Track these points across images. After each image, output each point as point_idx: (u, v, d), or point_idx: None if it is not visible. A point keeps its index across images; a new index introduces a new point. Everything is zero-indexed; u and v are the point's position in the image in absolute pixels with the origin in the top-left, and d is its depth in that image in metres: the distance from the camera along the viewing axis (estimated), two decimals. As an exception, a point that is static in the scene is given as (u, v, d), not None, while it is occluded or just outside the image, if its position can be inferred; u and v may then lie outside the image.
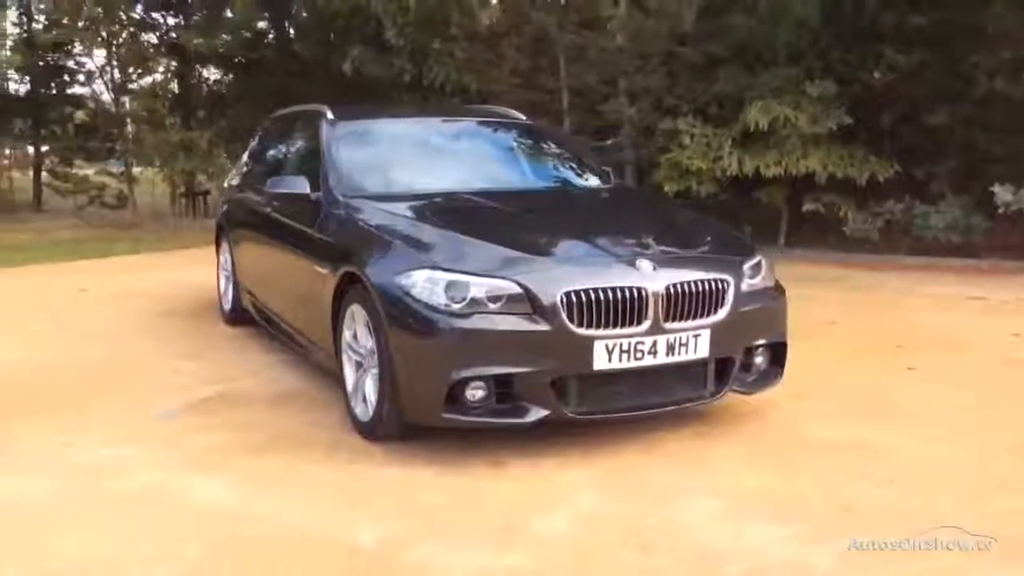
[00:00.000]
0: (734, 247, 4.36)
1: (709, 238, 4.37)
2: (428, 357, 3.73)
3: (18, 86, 17.20)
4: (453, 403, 3.71)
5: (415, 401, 3.79)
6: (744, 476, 3.69)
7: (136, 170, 17.47)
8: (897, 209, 10.27)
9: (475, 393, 3.72)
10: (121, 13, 14.86)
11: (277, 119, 6.57)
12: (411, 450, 3.93)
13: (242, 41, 15.41)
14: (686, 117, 11.14)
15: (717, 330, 3.93)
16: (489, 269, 3.76)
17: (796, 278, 8.80)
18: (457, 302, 3.69)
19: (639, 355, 3.77)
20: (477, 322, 3.68)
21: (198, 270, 8.59)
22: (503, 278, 3.72)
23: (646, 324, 3.77)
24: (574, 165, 5.54)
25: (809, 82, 10.23)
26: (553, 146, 5.71)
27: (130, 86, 16.86)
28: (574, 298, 3.68)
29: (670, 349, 3.83)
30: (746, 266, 4.18)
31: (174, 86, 16.96)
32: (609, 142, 12.12)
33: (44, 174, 18.34)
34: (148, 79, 16.90)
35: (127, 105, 17.03)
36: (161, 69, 16.64)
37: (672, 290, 3.82)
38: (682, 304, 3.84)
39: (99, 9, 14.46)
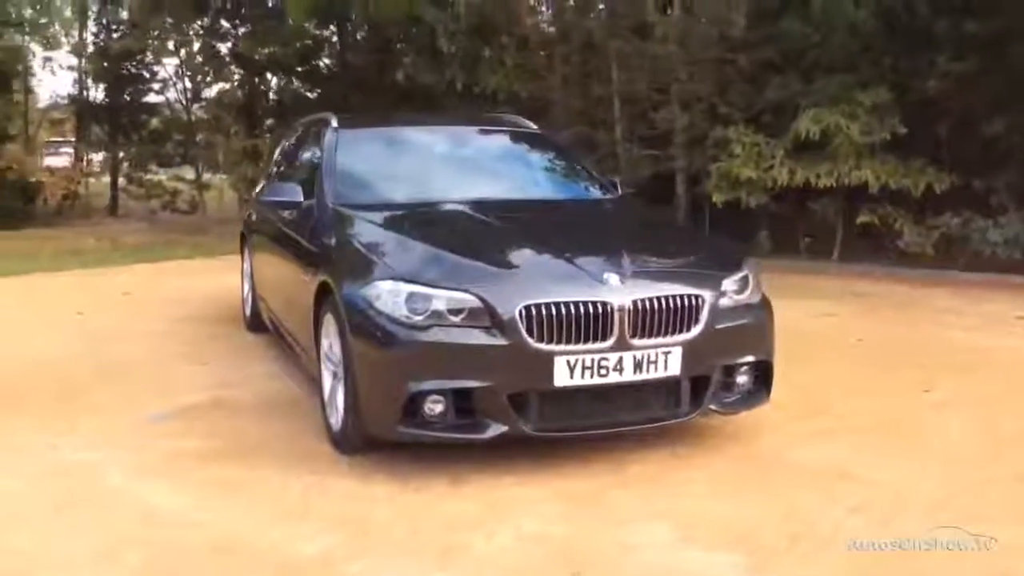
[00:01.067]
0: (718, 262, 4.21)
1: (693, 253, 4.25)
2: (386, 369, 3.69)
3: (97, 94, 17.83)
4: (412, 417, 3.66)
5: (374, 413, 3.75)
6: (706, 501, 3.55)
7: (207, 176, 17.95)
8: (954, 223, 9.84)
9: (433, 407, 3.66)
10: (190, 24, 15.26)
11: (296, 128, 6.64)
12: (375, 464, 3.89)
13: (299, 50, 15.69)
14: (737, 126, 10.90)
15: (690, 348, 3.80)
16: (452, 281, 3.70)
17: (839, 293, 8.59)
18: (419, 314, 3.64)
19: (603, 372, 3.66)
20: (435, 335, 3.63)
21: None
22: (464, 291, 3.66)
23: (611, 340, 3.66)
24: (577, 176, 5.45)
25: (862, 90, 9.91)
26: (558, 156, 5.62)
27: (201, 94, 17.32)
28: (533, 312, 3.60)
29: (637, 366, 3.71)
30: (727, 281, 4.03)
31: (240, 94, 17.35)
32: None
33: (120, 179, 18.98)
34: (216, 87, 17.36)
35: (197, 113, 17.50)
36: (236, 78, 17.04)
37: (639, 305, 3.70)
38: (651, 320, 3.72)
39: (169, 19, 14.90)
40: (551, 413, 3.73)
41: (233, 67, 16.58)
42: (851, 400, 4.90)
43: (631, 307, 3.69)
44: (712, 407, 3.99)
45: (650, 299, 3.73)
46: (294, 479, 3.79)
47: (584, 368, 3.64)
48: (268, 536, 3.24)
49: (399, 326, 3.65)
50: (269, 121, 17.53)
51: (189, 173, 18.43)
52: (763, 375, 4.17)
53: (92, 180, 18.97)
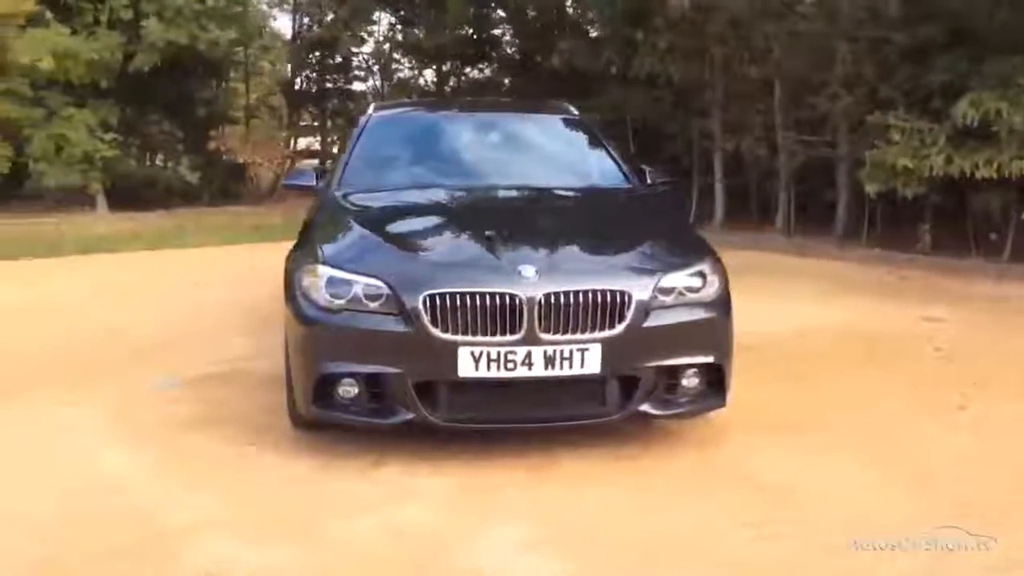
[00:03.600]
0: (668, 257, 4.00)
1: (644, 247, 4.04)
2: (303, 350, 3.82)
3: (304, 83, 19.06)
4: (327, 399, 3.77)
5: (297, 393, 3.89)
6: (608, 509, 3.40)
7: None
8: None
9: (348, 390, 3.75)
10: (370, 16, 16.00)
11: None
12: (315, 441, 4.00)
13: (460, 39, 16.05)
14: (897, 110, 10.07)
15: (611, 346, 3.65)
16: (369, 268, 3.77)
17: (971, 296, 7.74)
18: (340, 299, 3.73)
19: (511, 366, 3.60)
20: (345, 319, 3.72)
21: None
22: (375, 277, 3.71)
23: (519, 334, 3.59)
24: (600, 165, 5.28)
25: (1028, 72, 8.86)
26: (588, 144, 5.47)
27: (392, 82, 18.18)
28: (437, 301, 3.59)
29: (549, 362, 3.61)
30: (671, 277, 3.82)
31: (421, 82, 18.03)
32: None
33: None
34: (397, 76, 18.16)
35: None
36: (413, 66, 17.72)
37: (551, 299, 3.60)
38: (564, 315, 3.61)
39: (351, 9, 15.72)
40: (461, 404, 3.71)
41: (410, 56, 17.22)
42: (868, 413, 4.51)
43: (542, 301, 3.59)
44: (646, 410, 3.81)
45: (564, 293, 3.62)
46: (233, 450, 4.00)
47: (490, 361, 3.59)
48: (160, 503, 3.45)
49: (316, 309, 3.77)
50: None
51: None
52: (716, 379, 3.92)
53: (302, 163, 20.33)
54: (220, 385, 4.97)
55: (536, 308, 3.59)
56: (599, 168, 5.24)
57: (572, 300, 3.62)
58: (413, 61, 17.98)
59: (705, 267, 3.96)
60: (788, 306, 7.32)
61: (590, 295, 3.64)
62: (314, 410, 3.79)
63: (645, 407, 3.80)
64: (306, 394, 3.78)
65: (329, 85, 18.93)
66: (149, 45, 14.64)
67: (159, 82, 15.62)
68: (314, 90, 18.90)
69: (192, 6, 14.67)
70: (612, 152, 5.35)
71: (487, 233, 3.91)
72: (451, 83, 17.47)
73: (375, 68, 18.18)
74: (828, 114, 11.05)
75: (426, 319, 3.59)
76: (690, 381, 3.89)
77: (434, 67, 17.53)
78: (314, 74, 18.73)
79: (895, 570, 2.94)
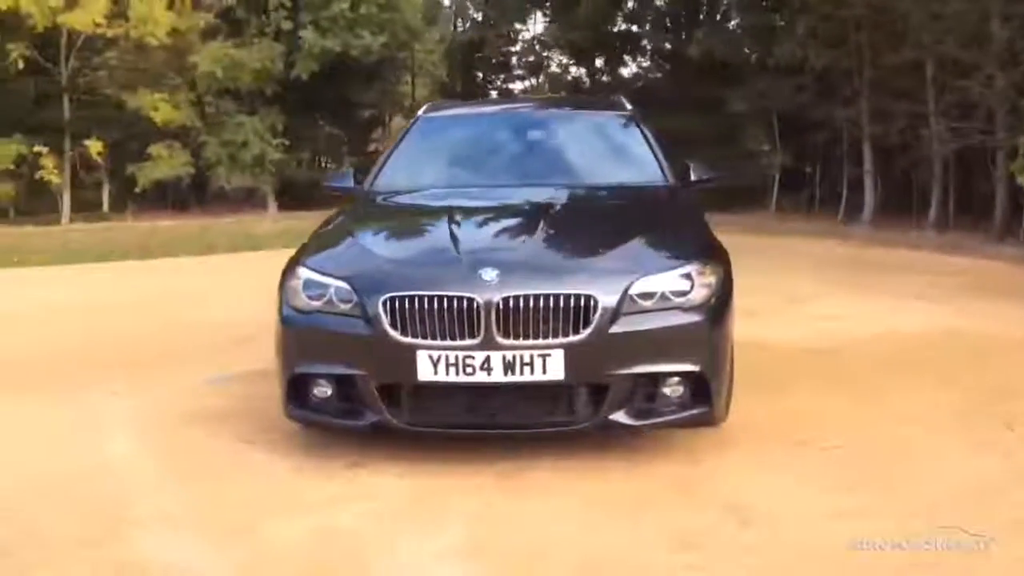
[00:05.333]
0: (649, 261, 3.79)
1: (632, 247, 3.85)
2: (279, 350, 3.89)
3: (461, 83, 19.45)
4: (302, 399, 3.82)
5: (281, 393, 3.97)
6: (556, 524, 3.24)
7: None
8: None
9: (323, 391, 3.79)
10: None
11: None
12: (310, 440, 4.06)
13: (597, 33, 15.80)
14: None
15: (575, 352, 3.50)
16: (343, 271, 3.79)
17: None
18: (316, 300, 3.78)
19: (469, 370, 3.52)
20: (316, 321, 3.76)
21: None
22: (343, 280, 3.73)
23: (478, 338, 3.51)
24: (639, 162, 5.03)
25: None
26: (631, 141, 5.24)
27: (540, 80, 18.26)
28: (396, 304, 3.57)
29: (508, 368, 3.51)
30: (648, 281, 3.61)
31: (568, 78, 17.97)
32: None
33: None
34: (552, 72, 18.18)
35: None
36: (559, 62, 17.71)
37: (510, 303, 3.50)
38: (523, 320, 3.50)
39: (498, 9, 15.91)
40: (424, 408, 3.67)
41: (560, 53, 17.21)
42: (901, 428, 4.12)
43: (500, 305, 3.50)
44: (617, 419, 3.62)
45: (524, 297, 3.50)
46: (227, 446, 4.12)
47: (448, 365, 3.53)
48: (127, 493, 3.60)
49: (293, 310, 3.83)
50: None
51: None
52: (701, 390, 3.68)
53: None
54: (259, 380, 5.14)
55: (494, 312, 3.49)
56: (636, 166, 5.02)
57: (532, 304, 3.50)
58: (563, 59, 17.96)
59: (692, 270, 3.72)
60: (898, 307, 6.82)
61: (551, 299, 3.51)
62: (290, 410, 3.86)
63: (617, 417, 3.61)
64: (283, 394, 3.86)
65: (486, 85, 19.23)
66: (306, 53, 15.40)
67: (321, 88, 16.41)
68: (471, 90, 19.23)
69: (346, 15, 15.29)
70: (654, 149, 5.12)
71: (455, 233, 3.86)
72: (600, 79, 17.31)
73: (526, 67, 18.24)
74: (982, 98, 10.14)
75: (386, 322, 3.58)
76: (673, 391, 3.67)
77: (582, 64, 17.41)
78: (471, 74, 19.06)
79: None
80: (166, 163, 16.11)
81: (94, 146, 15.50)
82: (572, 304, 3.51)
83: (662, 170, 4.95)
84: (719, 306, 3.76)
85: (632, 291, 3.59)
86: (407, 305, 3.56)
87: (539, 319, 3.50)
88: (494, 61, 18.74)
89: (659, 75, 16.08)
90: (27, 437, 4.32)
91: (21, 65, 14.80)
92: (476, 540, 3.14)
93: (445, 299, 3.53)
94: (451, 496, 3.49)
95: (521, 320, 3.50)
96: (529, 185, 4.75)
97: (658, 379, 3.64)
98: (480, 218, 4.31)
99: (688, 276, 3.70)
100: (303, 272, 3.87)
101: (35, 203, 16.89)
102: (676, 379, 3.66)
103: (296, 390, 3.82)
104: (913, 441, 3.98)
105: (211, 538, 3.22)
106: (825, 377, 4.97)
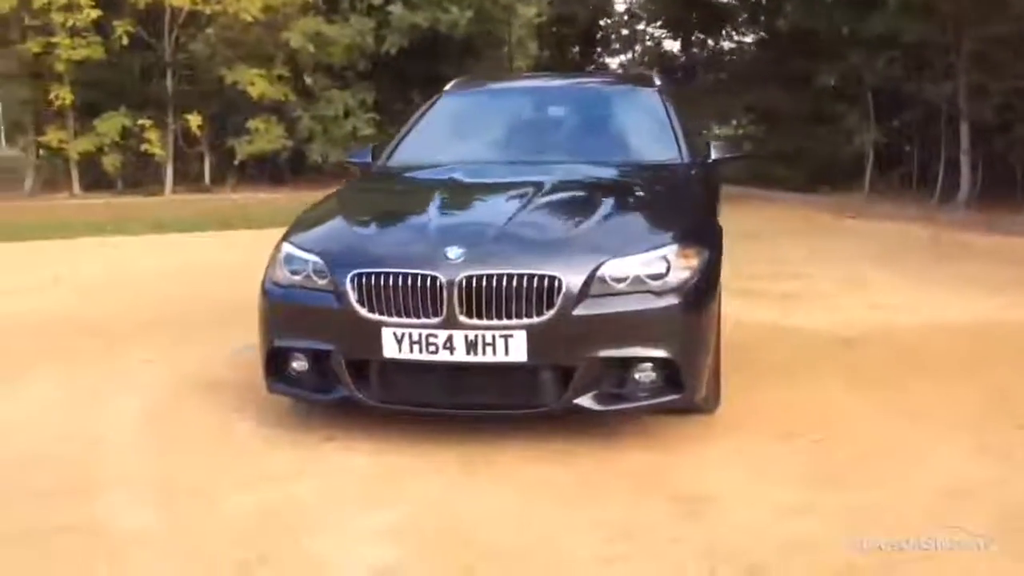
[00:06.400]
0: (636, 239, 3.67)
1: (608, 228, 3.74)
2: (260, 323, 3.94)
3: (554, 58, 19.29)
4: (281, 373, 3.87)
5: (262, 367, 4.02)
6: (499, 509, 3.21)
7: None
8: None
9: (300, 365, 3.83)
10: None
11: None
12: (298, 413, 4.12)
13: (682, 7, 15.37)
14: None
15: (537, 333, 3.43)
16: (319, 246, 3.81)
17: None
18: (297, 275, 3.81)
19: (432, 348, 3.50)
20: (292, 295, 3.79)
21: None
22: (317, 255, 3.75)
23: (440, 316, 3.48)
24: (657, 139, 4.86)
25: None
26: (653, 117, 5.06)
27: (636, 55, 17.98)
28: (363, 280, 3.57)
29: (471, 347, 3.47)
30: (620, 262, 3.50)
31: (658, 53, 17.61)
32: None
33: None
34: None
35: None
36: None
37: (472, 282, 3.45)
38: (485, 299, 3.45)
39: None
40: (391, 385, 3.67)
41: (654, 26, 16.87)
42: (866, 421, 3.93)
43: (463, 283, 3.45)
44: (583, 403, 3.53)
45: (487, 276, 3.45)
46: (218, 416, 4.19)
47: (412, 342, 3.52)
48: (102, 457, 3.72)
49: (272, 284, 3.88)
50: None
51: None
52: (672, 376, 3.56)
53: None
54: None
55: (456, 291, 3.45)
56: (652, 143, 4.86)
57: (495, 284, 3.44)
58: (656, 32, 17.61)
59: (670, 252, 3.59)
60: (959, 297, 6.44)
61: (514, 279, 3.44)
62: (270, 383, 3.91)
63: (583, 401, 3.52)
64: (263, 368, 3.91)
65: (581, 59, 19.03)
66: (395, 28, 15.54)
67: (411, 62, 16.54)
68: (563, 65, 19.06)
69: (435, -11, 15.36)
70: (675, 126, 4.94)
71: (434, 211, 3.82)
72: (693, 52, 16.89)
73: (620, 40, 17.96)
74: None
75: (353, 298, 3.58)
76: (645, 376, 3.56)
77: (675, 36, 17.03)
78: (565, 48, 18.87)
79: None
80: (263, 137, 16.50)
81: (194, 120, 16.02)
82: (535, 284, 3.44)
83: (679, 148, 4.78)
84: (700, 290, 3.62)
85: (602, 272, 3.49)
86: (374, 281, 3.55)
87: (501, 299, 3.44)
88: (589, 35, 18.50)
89: (752, 48, 15.59)
90: (48, 399, 4.51)
91: (126, 41, 15.40)
92: (415, 521, 3.12)
93: (410, 276, 3.51)
94: (410, 476, 3.48)
95: (484, 299, 3.45)
96: (536, 163, 4.67)
97: (628, 364, 3.54)
98: (466, 196, 4.26)
99: (664, 258, 3.56)
100: (285, 247, 3.92)
101: (141, 175, 17.61)
102: (648, 364, 3.54)
103: (275, 364, 3.87)
104: (909, 438, 3.76)
105: (164, 503, 3.31)
106: (845, 368, 4.74)
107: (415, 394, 3.67)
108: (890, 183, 12.92)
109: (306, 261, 3.78)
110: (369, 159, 5.18)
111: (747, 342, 5.27)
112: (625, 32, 18.65)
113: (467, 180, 4.45)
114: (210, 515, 3.21)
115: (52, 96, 15.59)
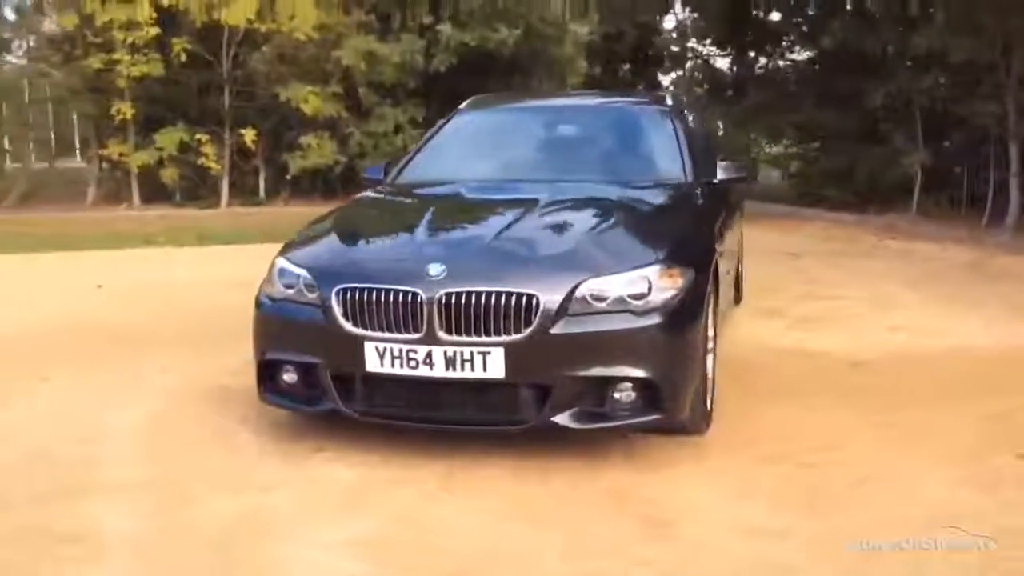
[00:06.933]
0: (618, 259, 3.66)
1: (591, 247, 3.75)
2: (253, 335, 4.03)
3: (605, 76, 19.28)
4: (273, 384, 3.96)
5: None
6: (461, 524, 3.25)
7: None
8: None
9: (290, 377, 3.92)
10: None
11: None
12: (292, 424, 4.18)
13: (729, 25, 15.25)
14: None
15: (515, 351, 3.46)
16: (309, 261, 3.90)
17: None
18: (290, 288, 3.90)
19: (412, 364, 3.55)
20: (283, 309, 3.88)
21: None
22: (308, 269, 3.84)
23: (421, 332, 3.54)
24: (662, 159, 4.87)
25: None
26: (660, 137, 5.06)
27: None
28: (348, 295, 3.64)
29: (450, 363, 3.52)
30: (599, 281, 3.52)
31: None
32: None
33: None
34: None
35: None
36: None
37: (452, 299, 3.50)
38: (464, 316, 3.49)
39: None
40: (374, 399, 3.73)
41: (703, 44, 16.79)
42: (860, 446, 3.89)
43: (442, 300, 3.51)
44: (559, 421, 3.54)
45: (467, 294, 3.50)
46: (221, 424, 4.29)
47: (393, 357, 3.58)
48: (96, 461, 3.83)
49: (266, 297, 3.99)
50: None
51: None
52: (652, 396, 3.55)
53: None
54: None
55: (436, 307, 3.51)
56: (656, 163, 4.89)
57: (474, 301, 3.49)
58: (705, 49, 17.51)
59: (652, 272, 3.59)
60: (990, 323, 6.28)
61: (492, 297, 3.48)
62: (263, 394, 4.00)
63: (561, 419, 3.54)
64: (257, 379, 4.00)
65: (632, 77, 19.02)
66: (444, 47, 15.72)
67: (461, 80, 16.67)
68: (613, 82, 19.07)
69: (483, 9, 15.48)
70: (681, 146, 4.94)
71: (423, 228, 3.89)
72: (742, 70, 16.76)
73: (670, 58, 17.90)
74: None
75: (338, 312, 3.66)
76: (625, 396, 3.56)
77: (725, 54, 16.92)
78: (614, 66, 18.88)
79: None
80: (316, 152, 16.81)
81: (249, 135, 16.41)
82: (513, 302, 3.47)
83: (683, 168, 4.78)
84: (683, 311, 3.61)
85: (581, 292, 3.51)
86: (358, 296, 3.63)
87: (480, 316, 3.48)
88: (639, 53, 18.48)
89: (801, 67, 15.41)
90: (62, 401, 4.70)
91: (184, 58, 15.84)
92: (382, 534, 3.17)
93: (392, 292, 3.58)
94: (390, 488, 3.54)
95: (463, 316, 3.49)
96: (538, 181, 4.70)
97: (608, 383, 3.55)
98: (458, 214, 4.32)
99: (646, 278, 3.57)
100: (279, 261, 4.02)
101: (199, 188, 18.05)
102: (628, 384, 3.54)
103: (267, 375, 3.96)
104: (898, 465, 3.68)
105: (150, 507, 3.41)
106: (846, 392, 4.67)
107: (397, 408, 3.73)
108: (938, 204, 12.65)
109: (297, 276, 3.87)
110: (381, 175, 5.27)
111: (754, 363, 5.25)
112: (676, 49, 18.57)
113: (465, 198, 4.52)
114: (190, 520, 3.29)
115: (114, 111, 16.11)
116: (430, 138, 5.41)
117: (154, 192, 17.48)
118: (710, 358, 4.11)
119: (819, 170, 14.38)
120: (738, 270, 6.66)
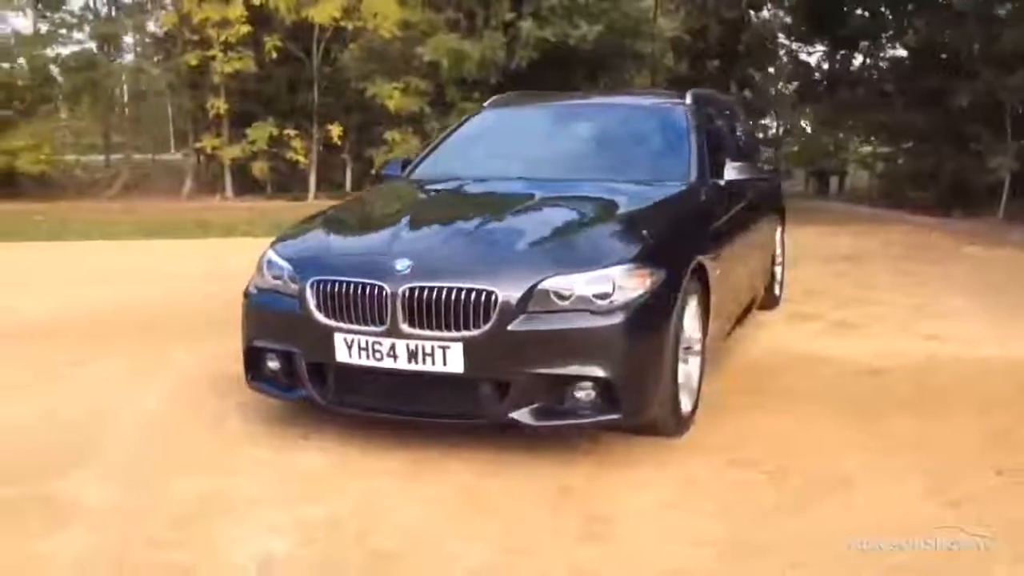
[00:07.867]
0: (584, 258, 3.67)
1: (559, 246, 3.77)
2: (241, 325, 4.18)
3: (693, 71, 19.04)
4: (259, 372, 4.10)
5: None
6: (409, 518, 3.31)
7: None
8: None
9: (273, 365, 4.05)
10: None
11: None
12: (284, 411, 4.30)
13: (817, 22, 14.75)
14: None
15: (473, 346, 3.51)
16: (292, 253, 4.03)
17: None
18: (277, 279, 4.04)
19: (378, 355, 3.64)
20: (266, 299, 4.02)
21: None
22: (289, 261, 3.97)
23: (385, 325, 3.62)
24: (670, 160, 4.82)
25: None
26: (672, 137, 5.00)
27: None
28: (321, 287, 3.75)
29: (412, 356, 3.59)
30: (560, 279, 3.53)
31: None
32: None
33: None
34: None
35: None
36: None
37: (415, 294, 3.57)
38: (425, 311, 3.56)
39: None
40: (345, 389, 3.83)
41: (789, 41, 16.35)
42: (833, 455, 3.77)
43: (406, 294, 3.58)
44: (517, 418, 3.57)
45: (428, 288, 3.56)
46: (217, 408, 4.44)
47: (360, 349, 3.67)
48: (85, 444, 3.99)
49: (254, 287, 4.13)
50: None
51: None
52: (610, 395, 3.55)
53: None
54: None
55: (400, 301, 3.58)
56: (662, 163, 4.83)
57: (435, 296, 3.55)
58: (794, 46, 17.08)
59: (617, 271, 3.58)
60: (1017, 335, 5.99)
61: (453, 292, 3.54)
62: (248, 380, 4.15)
63: (519, 415, 3.57)
64: (243, 366, 4.15)
65: (720, 74, 18.70)
66: (525, 43, 15.81)
67: (541, 76, 16.75)
68: (699, 80, 18.76)
69: (564, 4, 15.51)
70: (691, 146, 4.87)
71: (403, 224, 3.99)
72: (832, 67, 16.28)
73: (757, 54, 17.52)
74: None
75: (311, 304, 3.77)
76: (585, 394, 3.57)
77: (813, 51, 16.48)
78: (701, 63, 18.61)
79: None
80: (400, 147, 17.15)
81: (335, 130, 16.88)
82: (472, 298, 3.52)
83: (689, 168, 4.73)
84: (649, 311, 3.60)
85: (543, 288, 3.53)
86: (330, 289, 3.73)
87: (440, 311, 3.54)
88: (727, 49, 18.14)
89: (889, 65, 14.89)
90: (66, 386, 4.93)
91: (275, 55, 16.40)
92: (329, 519, 3.25)
93: (360, 285, 3.67)
94: (357, 477, 3.63)
95: (424, 311, 3.56)
96: (539, 179, 4.72)
97: (567, 380, 3.56)
98: (442, 210, 4.39)
99: (610, 277, 3.56)
100: (268, 253, 4.16)
101: (289, 181, 18.66)
102: (589, 383, 3.55)
103: (252, 362, 4.10)
104: (866, 477, 3.57)
105: (126, 485, 3.57)
106: (851, 399, 4.54)
107: (366, 398, 3.82)
108: (1028, 209, 12.07)
109: (282, 267, 4.00)
110: (398, 171, 5.38)
111: (768, 367, 5.16)
112: (769, 46, 18.18)
113: (457, 193, 4.59)
114: (154, 499, 3.45)
115: (208, 105, 16.79)
116: (449, 134, 5.49)
117: (247, 184, 18.16)
118: (693, 360, 4.07)
119: (904, 172, 13.87)
120: (772, 273, 6.53)
